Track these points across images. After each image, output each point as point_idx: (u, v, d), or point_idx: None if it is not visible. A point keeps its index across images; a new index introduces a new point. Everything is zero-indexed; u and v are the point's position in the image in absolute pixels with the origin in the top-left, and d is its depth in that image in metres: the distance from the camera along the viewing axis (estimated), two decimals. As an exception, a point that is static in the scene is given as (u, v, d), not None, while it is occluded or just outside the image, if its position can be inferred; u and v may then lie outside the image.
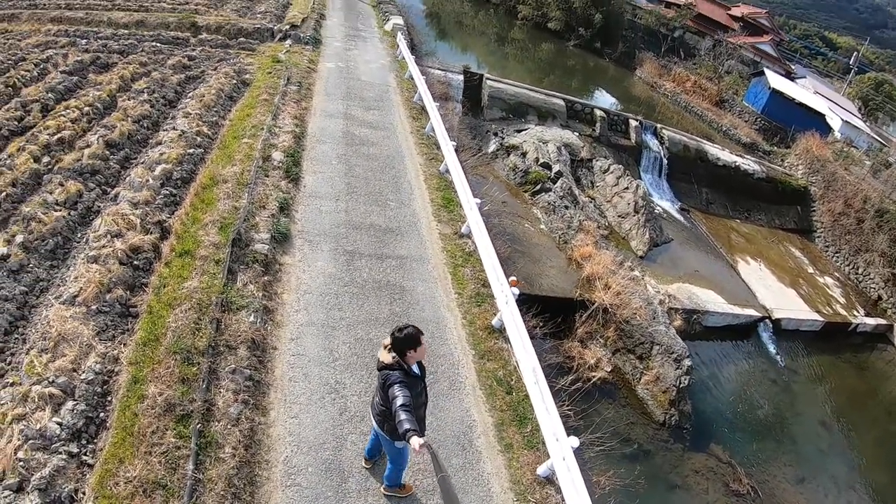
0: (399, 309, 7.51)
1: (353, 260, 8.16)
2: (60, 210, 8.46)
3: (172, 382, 5.49)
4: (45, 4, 21.99)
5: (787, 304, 17.87)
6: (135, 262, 7.35)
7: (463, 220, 9.80)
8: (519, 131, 20.34)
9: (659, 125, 23.88)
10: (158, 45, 17.44)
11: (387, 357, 4.25)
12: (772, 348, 16.17)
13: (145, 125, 11.65)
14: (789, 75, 41.82)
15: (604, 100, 32.11)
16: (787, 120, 31.97)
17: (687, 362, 11.29)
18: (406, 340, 4.18)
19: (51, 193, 8.84)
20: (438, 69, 22.72)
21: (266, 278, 7.33)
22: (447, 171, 11.46)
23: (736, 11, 50.62)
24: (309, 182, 10.02)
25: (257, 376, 5.94)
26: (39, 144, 10.59)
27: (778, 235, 23.67)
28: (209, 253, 7.38)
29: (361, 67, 18.29)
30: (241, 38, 19.07)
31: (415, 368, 4.35)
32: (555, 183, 16.60)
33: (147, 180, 9.20)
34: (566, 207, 15.59)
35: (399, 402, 3.95)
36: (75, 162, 9.88)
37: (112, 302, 6.64)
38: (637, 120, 23.28)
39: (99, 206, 8.79)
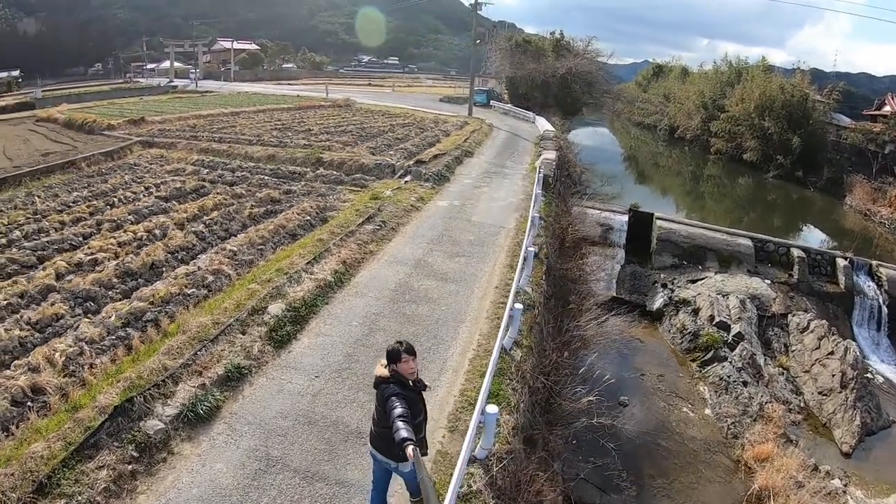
0: None
1: (265, 474, 6.04)
2: (24, 330, 8.86)
3: None
4: (201, 137, 26.97)
5: None
6: (28, 404, 7.08)
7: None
8: (693, 281, 18.94)
9: (875, 262, 21.12)
10: (267, 177, 19.27)
11: (383, 371, 4.83)
12: None
13: (179, 256, 11.88)
14: None
15: (809, 236, 31.41)
16: None
17: None
18: (389, 355, 4.87)
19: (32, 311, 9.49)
20: (598, 209, 22.40)
21: (132, 467, 6.07)
22: (513, 347, 9.06)
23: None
24: (299, 347, 8.51)
25: None
26: (72, 263, 11.44)
27: None
28: (89, 415, 6.52)
29: (480, 206, 17.63)
30: (358, 175, 20.22)
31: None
32: (732, 349, 15.03)
33: (111, 316, 8.97)
34: (744, 384, 13.85)
35: (397, 412, 4.42)
36: (77, 285, 10.36)
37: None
38: (846, 258, 20.80)
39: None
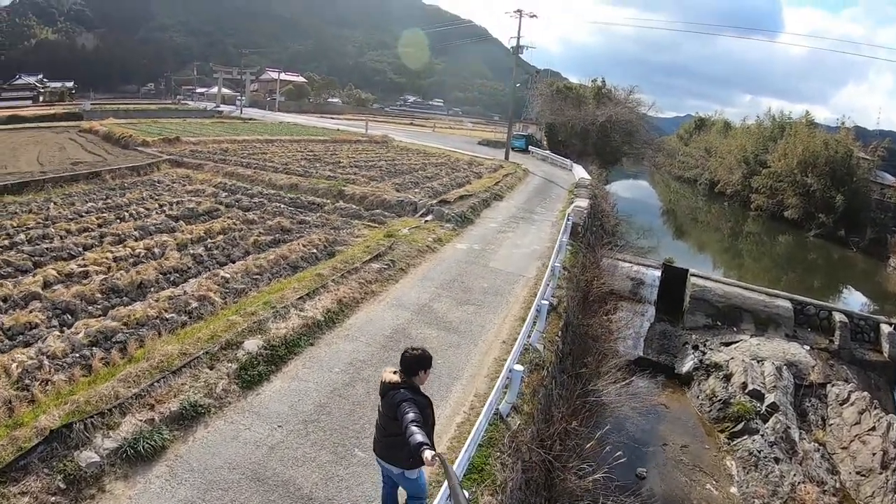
0: None
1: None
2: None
3: None
4: (229, 160, 27.30)
5: None
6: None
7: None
8: (727, 344, 18.09)
9: (920, 329, 19.55)
10: (284, 206, 19.14)
11: (393, 377, 4.90)
12: None
13: (171, 278, 11.59)
14: None
15: (851, 299, 30.13)
16: None
17: None
18: (419, 360, 4.97)
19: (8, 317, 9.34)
20: (630, 262, 22.00)
21: (55, 500, 5.61)
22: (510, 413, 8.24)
23: None
24: (269, 391, 7.90)
25: None
26: (63, 273, 11.35)
27: None
28: (26, 435, 6.14)
29: (501, 252, 17.02)
30: (378, 210, 19.95)
31: None
32: (765, 421, 14.29)
33: (79, 332, 8.70)
34: (776, 460, 13.08)
35: (410, 417, 4.38)
36: (59, 296, 10.21)
37: None
38: (891, 324, 19.76)
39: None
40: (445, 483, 4.85)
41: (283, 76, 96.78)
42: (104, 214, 16.12)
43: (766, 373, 15.83)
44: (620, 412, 13.46)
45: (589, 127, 51.44)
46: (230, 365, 8.12)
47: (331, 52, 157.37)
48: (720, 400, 15.35)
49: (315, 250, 14.03)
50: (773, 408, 14.54)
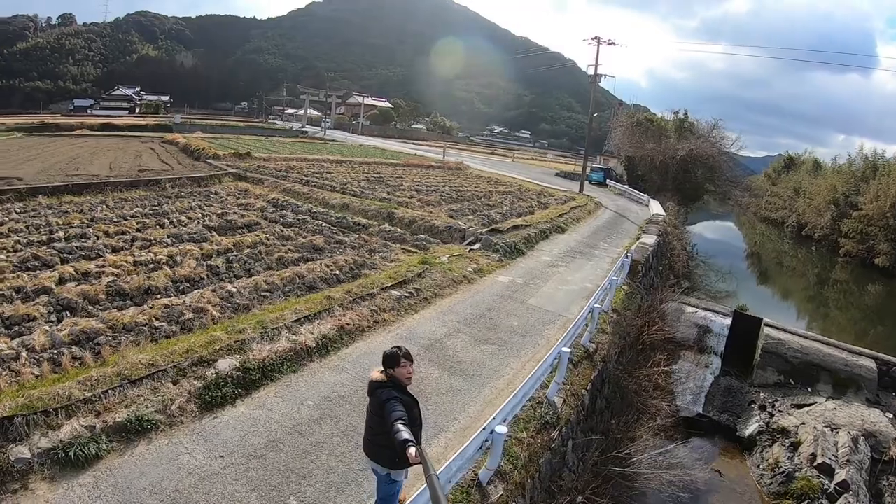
0: None
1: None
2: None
3: None
4: (290, 178, 27.93)
5: None
6: None
7: None
8: (799, 406, 16.22)
9: None
10: (327, 225, 19.09)
11: (379, 375, 5.09)
12: None
13: (181, 287, 11.57)
14: None
15: None
16: None
17: None
18: (386, 358, 5.12)
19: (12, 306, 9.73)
20: (696, 307, 20.78)
21: None
22: (492, 480, 7.18)
23: None
24: (228, 416, 7.40)
25: None
26: (80, 271, 11.70)
27: None
28: None
29: (545, 289, 15.99)
30: (423, 235, 19.49)
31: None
32: (833, 502, 12.53)
33: (64, 330, 8.83)
34: None
35: (395, 415, 4.47)
36: (66, 292, 10.47)
37: None
38: None
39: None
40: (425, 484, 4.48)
41: (368, 100, 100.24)
42: (146, 220, 16.66)
43: (839, 444, 13.91)
44: (658, 480, 11.97)
45: (668, 161, 49.42)
46: (195, 383, 7.74)
47: (419, 80, 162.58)
48: (783, 472, 13.65)
49: (338, 271, 13.66)
50: (844, 486, 12.62)
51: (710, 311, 20.36)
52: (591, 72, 40.04)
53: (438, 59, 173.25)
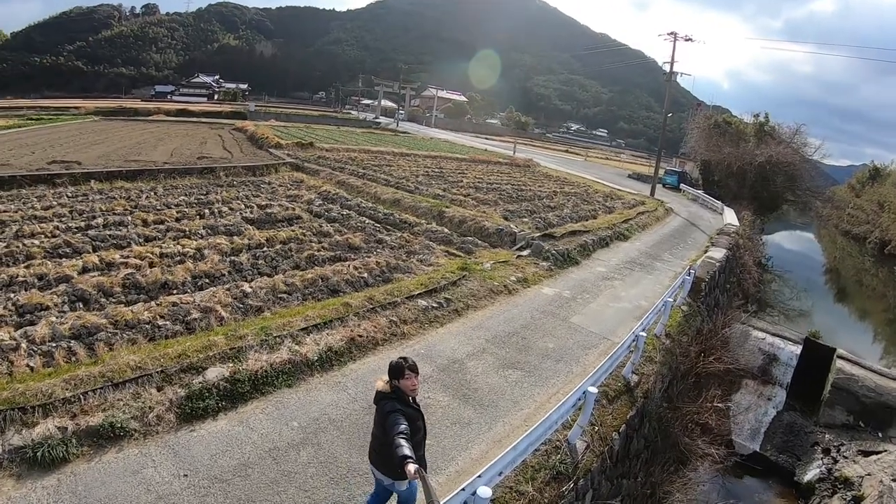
0: None
1: None
2: (5, 309, 9.27)
3: None
4: (346, 170, 27.91)
5: None
6: None
7: None
8: (866, 454, 14.47)
9: None
10: (372, 221, 18.75)
11: (384, 386, 5.06)
12: None
13: (199, 283, 11.41)
14: None
15: None
16: None
17: None
18: (391, 369, 5.09)
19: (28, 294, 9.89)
20: (764, 332, 19.12)
21: None
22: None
23: None
24: (206, 430, 7.02)
25: None
26: (105, 261, 11.85)
27: None
28: None
29: (593, 305, 14.84)
30: (470, 237, 18.80)
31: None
32: None
33: (66, 323, 8.81)
34: None
35: (398, 429, 4.57)
36: (84, 282, 10.58)
37: None
38: None
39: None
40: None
41: (442, 93, 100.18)
42: (187, 210, 16.85)
43: (906, 502, 12.16)
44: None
45: (746, 167, 46.27)
46: (179, 391, 7.42)
47: (497, 74, 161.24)
48: (839, 532, 12.10)
49: (366, 274, 13.16)
50: (907, 557, 11.02)
51: (779, 336, 18.59)
52: (666, 68, 38.01)
53: (516, 54, 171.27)
